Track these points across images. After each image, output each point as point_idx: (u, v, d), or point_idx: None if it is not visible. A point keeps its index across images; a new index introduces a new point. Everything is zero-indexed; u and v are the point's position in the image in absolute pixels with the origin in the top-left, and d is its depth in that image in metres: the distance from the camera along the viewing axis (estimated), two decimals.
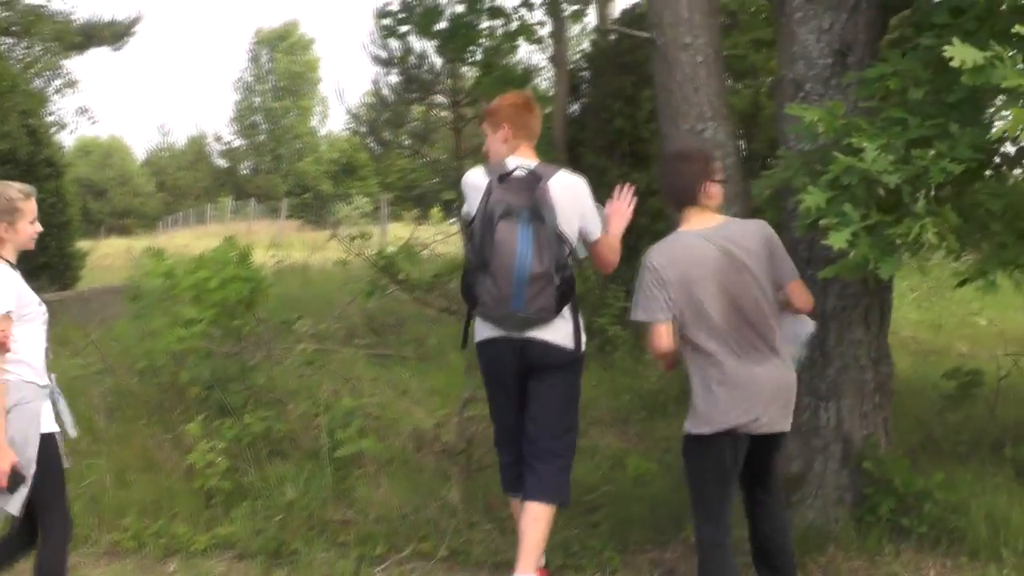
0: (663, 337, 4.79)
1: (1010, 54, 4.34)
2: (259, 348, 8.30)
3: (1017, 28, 4.21)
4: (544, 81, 21.50)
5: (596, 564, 5.93)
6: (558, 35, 10.22)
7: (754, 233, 4.86)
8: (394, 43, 21.00)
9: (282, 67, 64.99)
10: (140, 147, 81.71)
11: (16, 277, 4.80)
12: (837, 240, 4.60)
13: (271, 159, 63.08)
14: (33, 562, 4.97)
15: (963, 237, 4.92)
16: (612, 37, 11.19)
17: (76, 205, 18.38)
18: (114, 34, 25.91)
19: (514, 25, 9.62)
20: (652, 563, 5.99)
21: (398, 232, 26.62)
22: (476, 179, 5.32)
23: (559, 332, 5.24)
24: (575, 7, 10.19)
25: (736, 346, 4.71)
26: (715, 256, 4.74)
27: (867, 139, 4.77)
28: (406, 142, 26.20)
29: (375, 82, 25.55)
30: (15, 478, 4.61)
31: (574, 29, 20.96)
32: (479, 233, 5.14)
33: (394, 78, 23.32)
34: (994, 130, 4.53)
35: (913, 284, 13.60)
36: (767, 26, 9.46)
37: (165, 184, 64.30)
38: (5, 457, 4.61)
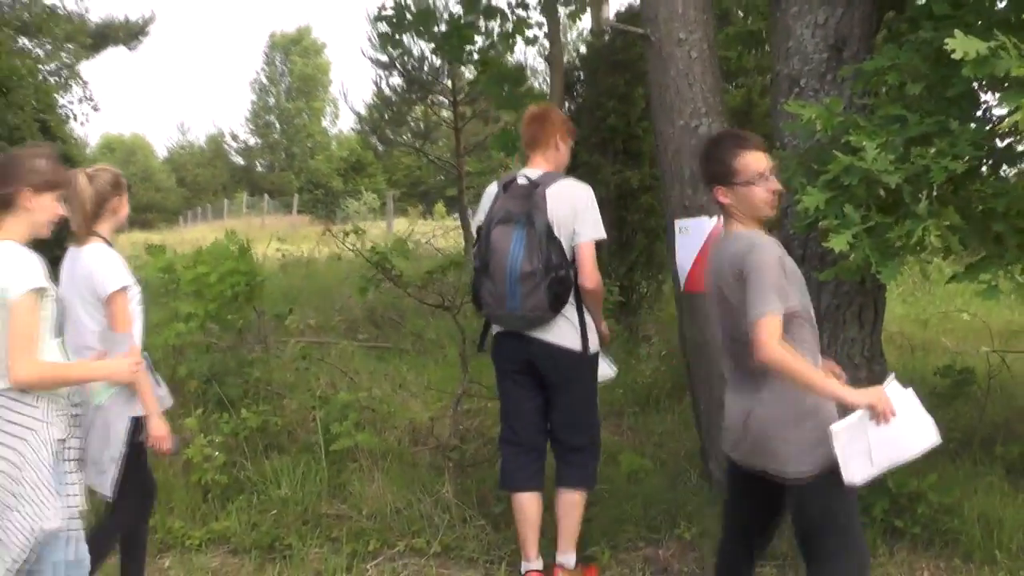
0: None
1: (1013, 43, 3.96)
2: (257, 342, 7.96)
3: None
4: (541, 81, 21.22)
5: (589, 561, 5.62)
6: (553, 35, 9.90)
7: None
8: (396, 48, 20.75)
9: (296, 70, 65.08)
10: (161, 145, 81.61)
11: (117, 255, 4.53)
12: (838, 243, 4.25)
13: (285, 157, 63.07)
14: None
15: (964, 238, 4.53)
16: (607, 36, 10.92)
17: None
18: (128, 34, 25.51)
19: (510, 25, 9.27)
20: (645, 560, 5.66)
21: (403, 227, 26.40)
22: (490, 189, 5.42)
23: (563, 334, 5.18)
24: (570, 7, 9.82)
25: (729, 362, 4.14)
26: None
27: (866, 137, 4.40)
28: (408, 140, 25.98)
29: (376, 83, 25.31)
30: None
31: (571, 31, 20.66)
32: (482, 238, 5.24)
33: (395, 79, 23.10)
34: (1004, 122, 4.13)
35: (899, 279, 13.27)
36: (762, 20, 9.09)
37: (185, 180, 64.21)
38: (160, 424, 4.52)
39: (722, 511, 4.52)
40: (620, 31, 10.03)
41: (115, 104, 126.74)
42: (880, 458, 3.68)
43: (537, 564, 5.35)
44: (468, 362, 7.17)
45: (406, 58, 20.87)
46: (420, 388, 8.39)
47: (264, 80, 66.10)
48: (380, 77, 24.24)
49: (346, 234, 7.53)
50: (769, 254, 3.74)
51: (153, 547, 5.93)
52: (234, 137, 66.64)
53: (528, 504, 5.33)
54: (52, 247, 4.18)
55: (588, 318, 5.21)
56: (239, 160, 65.93)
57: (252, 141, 65.73)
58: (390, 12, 9.34)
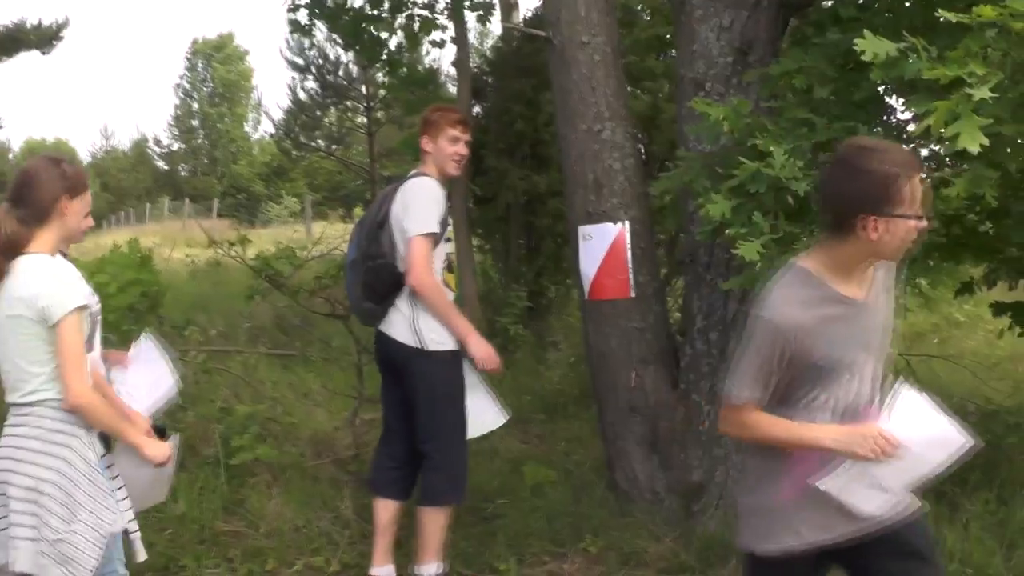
0: None
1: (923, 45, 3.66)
2: None
3: (941, 12, 3.52)
4: (450, 84, 20.91)
5: (493, 574, 5.31)
6: (460, 39, 9.53)
7: None
8: (310, 51, 20.49)
9: (218, 76, 64.26)
10: (85, 150, 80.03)
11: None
12: (748, 252, 3.92)
13: (207, 162, 62.24)
14: None
15: None
16: (515, 41, 10.61)
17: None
18: (41, 38, 24.55)
19: (416, 25, 8.93)
20: (550, 574, 5.32)
21: (321, 230, 26.01)
22: None
23: (396, 328, 4.88)
24: (478, 12, 9.47)
25: None
26: None
27: (773, 142, 4.08)
28: (322, 145, 25.64)
29: (291, 88, 24.86)
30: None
31: (486, 38, 20.42)
32: None
33: (311, 84, 22.73)
34: (912, 128, 3.84)
35: None
36: (666, 24, 8.81)
37: (108, 185, 62.84)
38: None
39: None
40: (526, 36, 9.71)
41: (37, 108, 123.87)
42: (895, 483, 2.97)
43: (382, 571, 5.05)
44: (363, 371, 6.78)
45: (321, 62, 20.55)
46: (325, 397, 7.98)
47: (187, 85, 65.25)
48: (295, 81, 23.80)
49: (231, 244, 7.09)
50: None
51: None
52: (157, 142, 65.66)
53: (378, 509, 5.05)
54: None
55: (425, 313, 4.82)
56: (162, 165, 64.93)
57: (176, 146, 64.80)
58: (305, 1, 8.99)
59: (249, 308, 8.63)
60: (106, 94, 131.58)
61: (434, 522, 4.89)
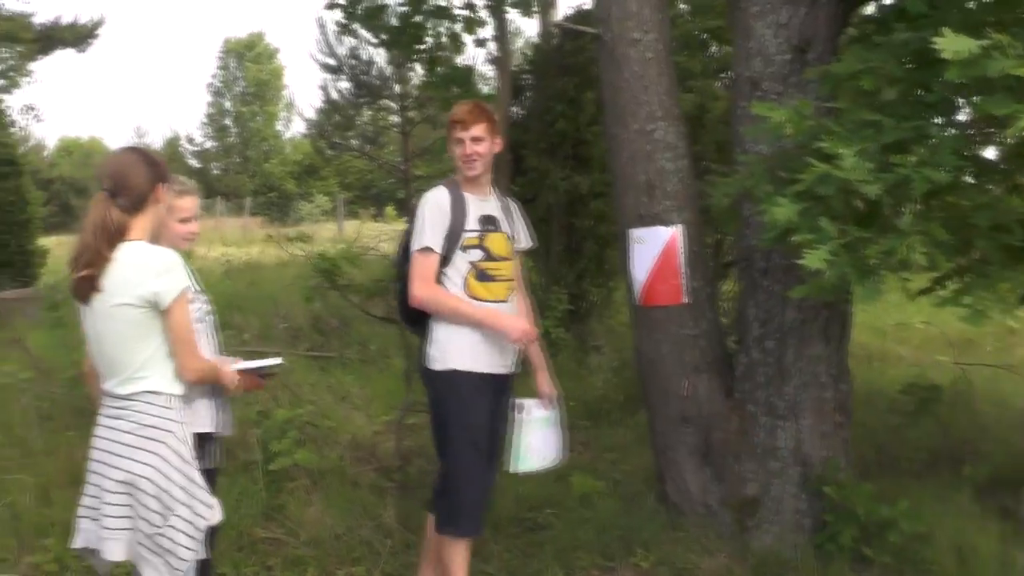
0: None
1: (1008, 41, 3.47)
2: None
3: None
4: (487, 84, 20.72)
5: None
6: (501, 36, 9.38)
7: None
8: (342, 49, 20.32)
9: (250, 75, 64.51)
10: (119, 147, 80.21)
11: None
12: (814, 260, 3.72)
13: (240, 160, 62.46)
14: None
15: (948, 255, 4.02)
16: (555, 40, 10.45)
17: (37, 203, 17.42)
18: (77, 36, 24.66)
19: (459, 25, 8.76)
20: None
21: (354, 229, 25.90)
22: None
23: (423, 346, 4.69)
24: (517, 9, 9.31)
25: None
26: None
27: (841, 143, 3.89)
28: (356, 145, 25.47)
29: (323, 88, 24.64)
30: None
31: (519, 33, 20.27)
32: None
33: (344, 83, 22.54)
34: (1009, 129, 3.62)
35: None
36: (707, 20, 8.64)
37: None
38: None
39: None
40: (570, 33, 9.55)
41: (72, 106, 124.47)
42: None
43: None
44: (412, 378, 6.63)
45: (355, 62, 20.40)
46: (364, 400, 7.86)
47: (219, 84, 65.55)
48: (327, 81, 23.60)
49: (290, 240, 6.93)
50: None
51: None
52: (190, 140, 65.95)
53: (428, 523, 4.87)
54: None
55: (443, 330, 4.55)
56: (195, 163, 65.25)
57: (208, 144, 65.09)
58: (342, 2, 8.83)
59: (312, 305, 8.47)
60: (139, 93, 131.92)
61: (446, 549, 4.65)
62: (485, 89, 10.63)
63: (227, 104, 65.11)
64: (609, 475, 6.43)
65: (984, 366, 8.27)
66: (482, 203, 4.60)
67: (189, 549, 3.59)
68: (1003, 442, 6.71)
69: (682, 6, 9.72)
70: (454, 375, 4.51)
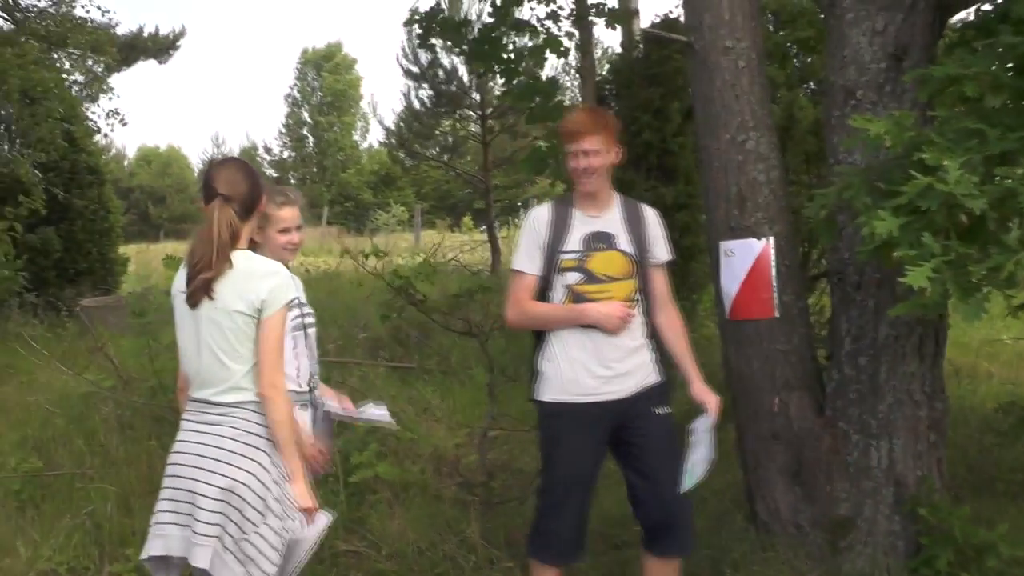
0: None
1: None
2: None
3: None
4: (570, 94, 20.73)
5: None
6: (585, 46, 9.38)
7: None
8: (424, 57, 20.48)
9: (327, 85, 65.23)
10: (196, 157, 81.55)
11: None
12: (918, 278, 3.60)
13: (316, 170, 63.16)
14: None
15: None
16: (638, 50, 10.41)
17: (118, 212, 17.73)
18: (159, 48, 25.20)
19: (541, 38, 8.73)
20: None
21: (431, 239, 25.97)
22: None
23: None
24: (602, 19, 9.27)
25: None
26: None
27: (944, 155, 3.78)
28: (435, 154, 25.60)
29: (405, 95, 24.83)
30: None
31: (599, 42, 20.24)
32: None
33: (424, 92, 22.71)
34: None
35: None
36: (809, 27, 8.52)
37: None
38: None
39: None
40: (656, 41, 9.50)
41: (151, 116, 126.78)
42: None
43: None
44: (495, 391, 6.61)
45: (436, 71, 20.54)
46: (445, 412, 7.85)
47: (296, 95, 66.40)
48: (409, 89, 23.78)
49: (366, 256, 6.89)
50: None
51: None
52: (267, 150, 66.93)
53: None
54: None
55: (539, 358, 4.51)
56: (272, 172, 66.11)
57: (286, 154, 65.90)
58: (423, 15, 8.87)
59: (384, 325, 8.46)
60: (217, 102, 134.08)
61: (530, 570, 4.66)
62: (567, 100, 10.62)
63: (304, 114, 65.96)
64: (696, 493, 6.33)
65: None
66: (592, 220, 4.48)
67: (271, 562, 3.63)
68: None
69: (769, 15, 9.61)
70: (550, 406, 4.47)
